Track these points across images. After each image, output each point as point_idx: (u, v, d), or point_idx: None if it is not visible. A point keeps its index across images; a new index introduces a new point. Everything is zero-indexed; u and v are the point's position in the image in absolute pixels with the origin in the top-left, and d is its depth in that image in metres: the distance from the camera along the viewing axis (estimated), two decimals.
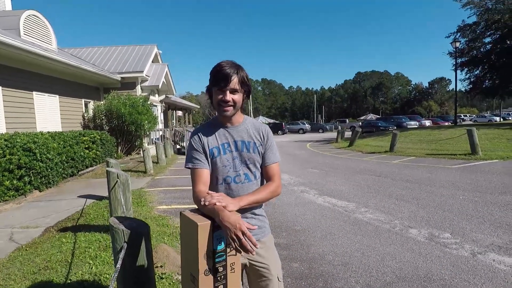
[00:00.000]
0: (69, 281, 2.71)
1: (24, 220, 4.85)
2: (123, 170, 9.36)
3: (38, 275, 2.87)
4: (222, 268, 1.20)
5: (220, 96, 1.37)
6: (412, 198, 5.50)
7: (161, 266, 2.88)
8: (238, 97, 1.39)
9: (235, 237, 1.11)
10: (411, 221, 4.32)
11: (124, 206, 2.98)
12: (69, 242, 3.71)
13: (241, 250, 1.13)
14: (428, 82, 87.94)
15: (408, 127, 28.01)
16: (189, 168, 1.44)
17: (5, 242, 3.96)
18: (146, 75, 14.09)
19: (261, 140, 1.49)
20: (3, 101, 7.97)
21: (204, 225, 1.13)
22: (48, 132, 7.97)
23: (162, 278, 2.73)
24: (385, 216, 4.58)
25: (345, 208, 5.09)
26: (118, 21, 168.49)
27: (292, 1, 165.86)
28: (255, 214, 1.49)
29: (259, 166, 1.49)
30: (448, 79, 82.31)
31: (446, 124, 30.51)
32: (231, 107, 1.39)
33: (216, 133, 1.46)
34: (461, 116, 44.30)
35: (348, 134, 24.43)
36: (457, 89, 21.17)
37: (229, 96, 1.36)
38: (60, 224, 4.52)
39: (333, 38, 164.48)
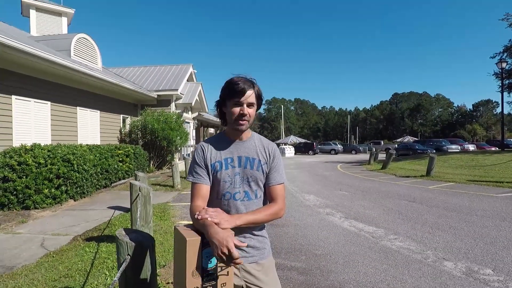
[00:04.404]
0: None
1: (56, 227, 5.10)
2: (152, 184, 9.67)
3: (58, 282, 2.95)
4: (211, 287, 1.14)
5: (239, 109, 1.35)
6: (448, 227, 5.05)
7: None
8: (252, 111, 1.38)
9: (221, 255, 1.05)
10: (446, 252, 3.94)
11: (140, 219, 3.01)
12: (91, 251, 3.81)
13: (229, 264, 1.08)
14: (472, 105, 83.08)
15: (449, 151, 26.30)
16: (189, 181, 1.43)
17: (37, 247, 4.17)
18: (180, 93, 14.71)
19: (267, 158, 1.44)
20: (51, 115, 8.68)
21: (192, 241, 1.09)
22: (87, 145, 8.48)
23: None
24: (417, 245, 4.23)
25: (372, 234, 4.78)
26: (158, 43, 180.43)
27: (328, 25, 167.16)
28: (254, 235, 1.42)
29: (261, 185, 1.43)
30: (495, 102, 77.05)
31: (493, 149, 28.28)
32: (247, 122, 1.37)
33: (221, 147, 1.43)
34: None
35: (382, 156, 23.45)
36: (505, 112, 19.64)
37: (247, 110, 1.35)
38: (87, 233, 4.69)
39: (369, 59, 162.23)
